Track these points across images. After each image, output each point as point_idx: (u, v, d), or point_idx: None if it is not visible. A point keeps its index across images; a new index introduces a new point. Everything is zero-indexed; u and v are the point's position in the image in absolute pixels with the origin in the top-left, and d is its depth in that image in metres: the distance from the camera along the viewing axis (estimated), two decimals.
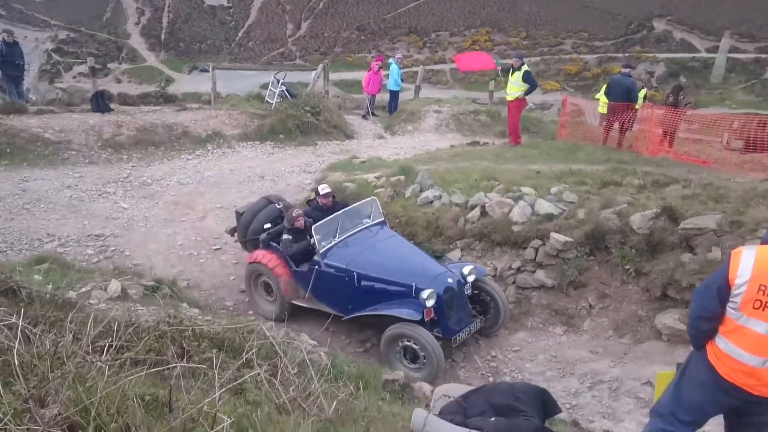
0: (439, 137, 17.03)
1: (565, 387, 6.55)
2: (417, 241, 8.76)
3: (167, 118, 15.33)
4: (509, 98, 12.78)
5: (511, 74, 12.49)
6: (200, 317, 4.86)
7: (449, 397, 3.79)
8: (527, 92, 12.51)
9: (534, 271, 8.27)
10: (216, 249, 9.89)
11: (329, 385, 3.69)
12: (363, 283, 7.25)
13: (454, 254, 8.78)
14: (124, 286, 6.47)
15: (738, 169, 10.59)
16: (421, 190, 9.80)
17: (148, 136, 14.32)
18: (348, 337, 7.85)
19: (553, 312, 7.97)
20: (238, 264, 9.48)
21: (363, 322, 7.55)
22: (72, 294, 5.59)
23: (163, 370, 2.98)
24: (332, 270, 7.48)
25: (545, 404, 3.63)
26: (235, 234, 9.23)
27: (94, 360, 2.81)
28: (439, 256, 8.24)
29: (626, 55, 45.48)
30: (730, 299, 3.12)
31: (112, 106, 15.99)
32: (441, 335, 6.89)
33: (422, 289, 6.72)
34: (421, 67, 26.26)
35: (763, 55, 46.38)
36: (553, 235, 8.11)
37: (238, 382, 3.07)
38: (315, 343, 5.91)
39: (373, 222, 8.08)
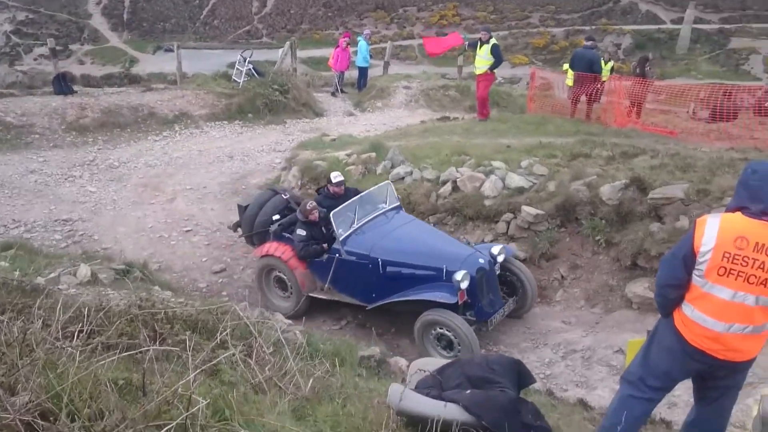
0: (409, 113, 16.98)
1: (539, 357, 6.65)
2: None
3: (132, 99, 15.11)
4: (478, 72, 12.75)
5: (479, 48, 12.45)
6: (173, 300, 4.81)
7: (425, 371, 3.81)
8: (492, 67, 12.48)
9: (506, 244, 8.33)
10: (187, 231, 9.79)
11: (305, 363, 3.70)
12: (389, 269, 6.97)
13: None
14: (93, 270, 6.39)
15: (704, 139, 10.72)
16: (393, 167, 9.79)
17: (113, 118, 14.10)
18: (323, 315, 7.82)
19: None
20: (210, 245, 9.42)
21: (388, 310, 7.25)
22: (40, 280, 5.49)
23: (136, 353, 2.95)
24: (354, 258, 7.16)
25: (520, 375, 3.67)
26: (239, 229, 8.77)
27: (64, 346, 2.77)
28: None
29: (593, 27, 45.46)
30: (696, 267, 3.16)
31: (75, 88, 15.75)
32: (474, 318, 6.66)
33: (453, 272, 6.47)
34: (389, 42, 26.02)
35: (727, 26, 46.74)
36: (525, 208, 8.19)
37: (212, 363, 3.06)
38: (290, 322, 5.89)
39: (389, 207, 7.78)
